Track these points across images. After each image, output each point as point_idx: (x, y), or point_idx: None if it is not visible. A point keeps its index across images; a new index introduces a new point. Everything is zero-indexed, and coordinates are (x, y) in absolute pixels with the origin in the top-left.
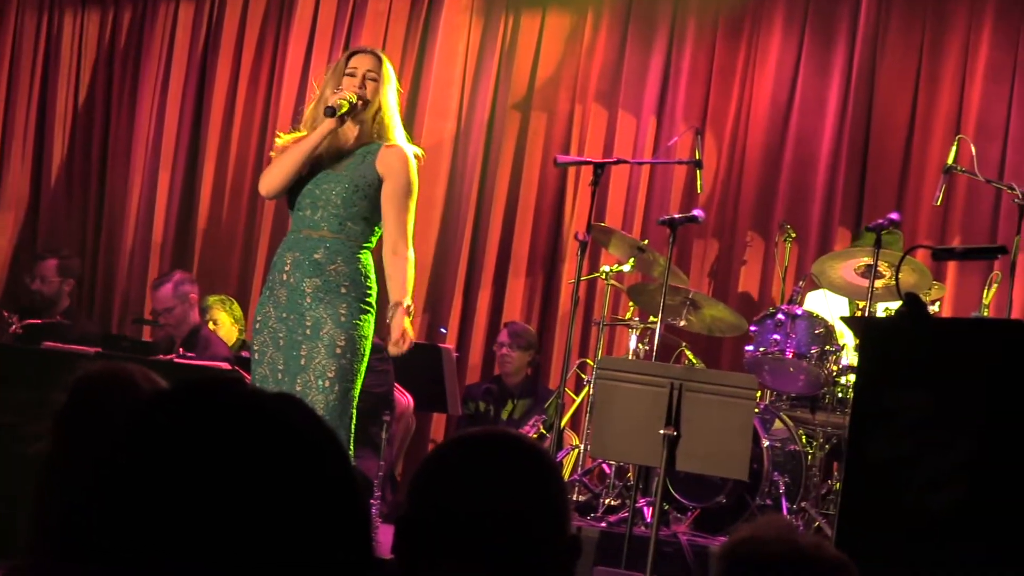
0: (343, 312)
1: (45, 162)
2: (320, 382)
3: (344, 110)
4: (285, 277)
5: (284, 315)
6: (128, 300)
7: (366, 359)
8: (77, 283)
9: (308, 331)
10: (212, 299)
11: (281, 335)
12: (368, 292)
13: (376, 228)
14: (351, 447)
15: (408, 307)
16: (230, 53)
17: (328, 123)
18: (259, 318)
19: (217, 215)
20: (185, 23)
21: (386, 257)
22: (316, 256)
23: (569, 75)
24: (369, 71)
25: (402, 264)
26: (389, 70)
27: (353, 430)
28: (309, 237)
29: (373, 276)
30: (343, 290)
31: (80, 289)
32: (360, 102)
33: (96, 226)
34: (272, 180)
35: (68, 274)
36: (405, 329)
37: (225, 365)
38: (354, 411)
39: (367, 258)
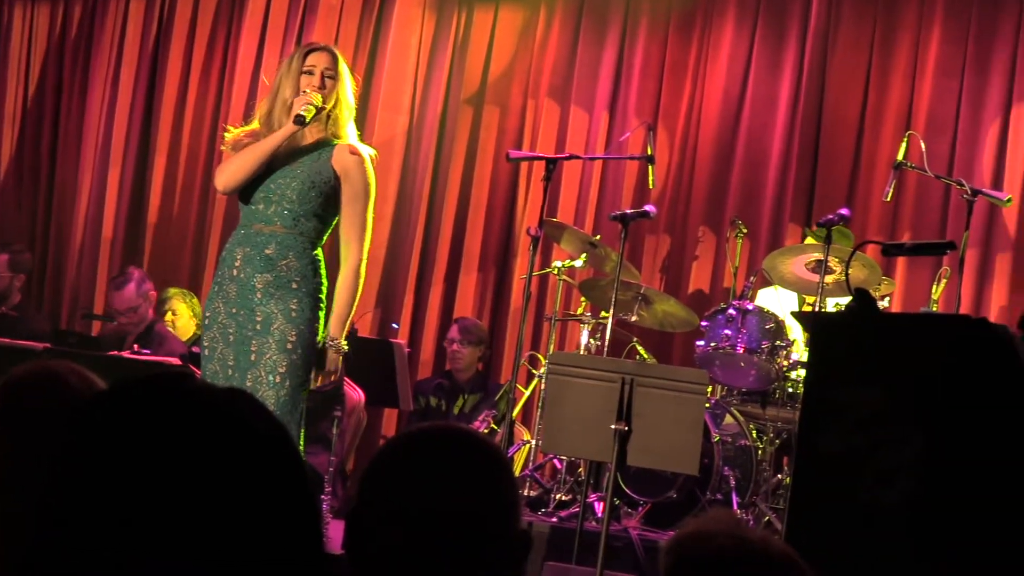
0: (294, 308)
1: None
2: (271, 377)
3: (311, 116)
4: (235, 272)
5: (234, 311)
6: (78, 295)
7: (318, 347)
8: (28, 278)
9: (258, 326)
10: (173, 291)
11: (231, 331)
12: (320, 287)
13: (329, 225)
14: (302, 443)
15: (341, 348)
16: (181, 47)
17: (292, 127)
18: (208, 314)
19: (168, 210)
20: (136, 16)
21: (341, 255)
22: (267, 251)
23: (522, 70)
24: (327, 69)
25: (350, 280)
26: (344, 67)
27: (304, 425)
28: (260, 232)
29: (325, 272)
30: (294, 285)
31: (30, 284)
32: (324, 105)
33: (46, 220)
34: (231, 176)
35: (19, 269)
36: (334, 369)
37: (176, 361)
38: (304, 407)
39: (319, 254)
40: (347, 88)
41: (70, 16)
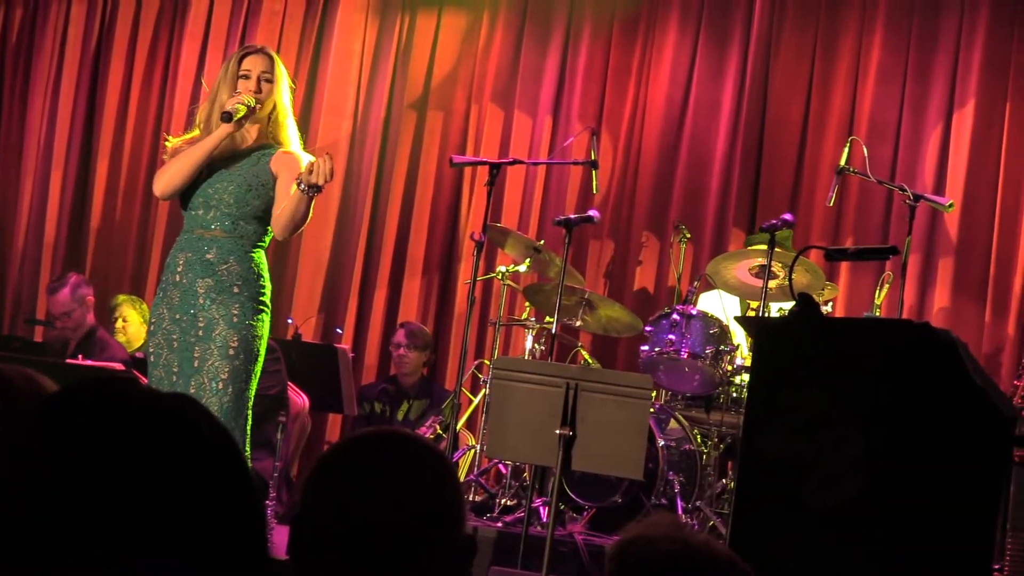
0: (236, 312)
1: None
2: (214, 384)
3: (241, 115)
4: (178, 278)
5: (177, 316)
6: (20, 300)
7: (261, 359)
8: None
9: (201, 332)
10: (121, 297)
11: (175, 336)
12: (262, 291)
13: (269, 228)
14: (247, 448)
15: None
16: (123, 52)
17: (225, 127)
18: (153, 320)
19: (110, 215)
20: (77, 21)
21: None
22: (208, 256)
23: (465, 75)
24: (264, 72)
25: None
26: (282, 69)
27: (249, 431)
28: (201, 237)
29: (267, 275)
30: (235, 289)
31: None
32: (258, 105)
33: None
34: (168, 182)
35: None
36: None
37: (119, 366)
38: (249, 412)
39: (260, 257)
40: (284, 91)
41: (11, 20)
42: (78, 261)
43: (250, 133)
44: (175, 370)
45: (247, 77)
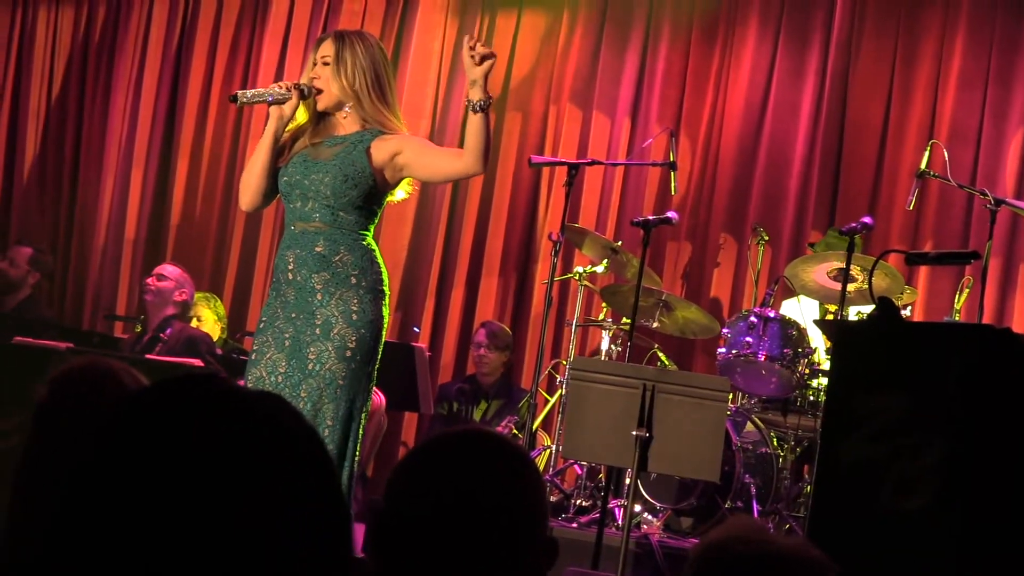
0: (355, 308)
1: (18, 158)
2: (330, 389)
3: (242, 101)
4: (291, 276)
5: (293, 315)
6: (100, 297)
7: (381, 348)
8: (47, 280)
9: (318, 330)
10: (197, 295)
11: (287, 335)
12: (379, 277)
13: (374, 214)
14: (357, 452)
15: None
16: (204, 50)
17: (270, 123)
18: (264, 318)
19: (190, 213)
20: (160, 19)
21: (463, 166)
22: (318, 248)
23: (544, 75)
24: (323, 56)
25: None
26: (353, 48)
27: (361, 434)
28: (305, 231)
29: (381, 260)
30: (353, 280)
31: (52, 285)
32: (315, 89)
33: (68, 222)
34: (243, 195)
35: (38, 268)
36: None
37: (197, 362)
38: (364, 417)
39: (370, 243)
40: (354, 70)
41: (94, 18)
42: (158, 259)
43: (347, 119)
44: (280, 370)
45: (315, 64)
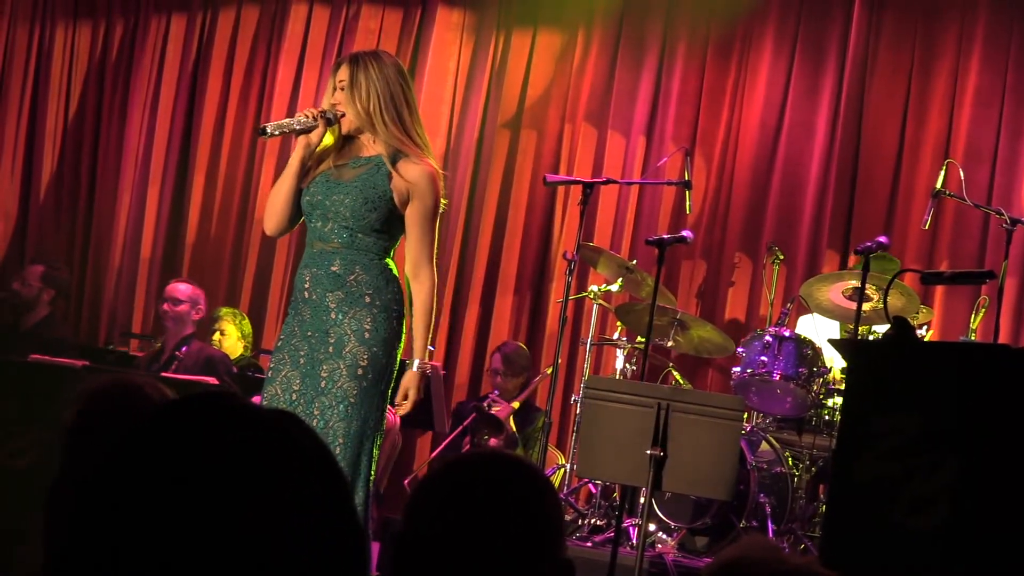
0: (368, 327)
1: (35, 175)
2: (341, 407)
3: (271, 133)
4: (307, 295)
5: (309, 333)
6: (116, 314)
7: (396, 367)
8: (63, 297)
9: (331, 348)
10: (224, 310)
11: (302, 352)
12: (396, 296)
13: (393, 238)
14: (372, 472)
15: (424, 370)
16: (221, 68)
17: (297, 151)
18: (282, 336)
19: (206, 231)
20: (176, 37)
21: (410, 278)
22: (333, 268)
23: (559, 94)
24: (340, 80)
25: (424, 297)
26: (366, 68)
27: (376, 454)
28: (323, 251)
29: (397, 278)
30: (367, 299)
31: (68, 303)
32: (338, 112)
33: (84, 240)
34: (268, 221)
35: (51, 284)
36: (415, 394)
37: (213, 380)
38: (379, 436)
39: (389, 263)
40: (370, 92)
41: (111, 37)
42: (173, 276)
43: (374, 142)
44: (295, 388)
45: (335, 89)
